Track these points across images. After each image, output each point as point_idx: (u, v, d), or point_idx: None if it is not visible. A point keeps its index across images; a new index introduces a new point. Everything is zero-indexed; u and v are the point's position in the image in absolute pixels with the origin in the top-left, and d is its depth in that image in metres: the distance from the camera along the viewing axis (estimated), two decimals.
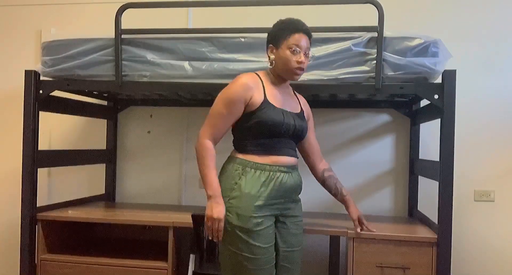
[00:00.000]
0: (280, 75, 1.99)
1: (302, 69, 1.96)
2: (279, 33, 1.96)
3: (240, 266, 1.88)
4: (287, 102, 2.02)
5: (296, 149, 2.08)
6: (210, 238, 1.90)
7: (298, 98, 2.14)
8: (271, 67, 1.99)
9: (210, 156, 1.92)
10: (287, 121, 1.94)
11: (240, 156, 1.96)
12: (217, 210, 1.85)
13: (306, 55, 1.97)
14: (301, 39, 1.94)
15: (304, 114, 2.10)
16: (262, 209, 1.89)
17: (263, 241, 1.88)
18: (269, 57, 1.99)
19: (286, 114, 1.95)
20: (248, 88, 1.90)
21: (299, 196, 2.08)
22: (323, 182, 2.23)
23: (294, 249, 2.02)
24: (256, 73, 1.99)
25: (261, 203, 1.88)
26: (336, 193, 2.23)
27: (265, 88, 1.95)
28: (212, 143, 1.94)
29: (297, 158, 2.05)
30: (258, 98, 1.91)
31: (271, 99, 1.94)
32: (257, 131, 1.92)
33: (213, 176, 1.90)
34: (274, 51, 1.97)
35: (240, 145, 1.98)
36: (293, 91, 2.14)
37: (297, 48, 1.93)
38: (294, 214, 2.03)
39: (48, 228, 2.56)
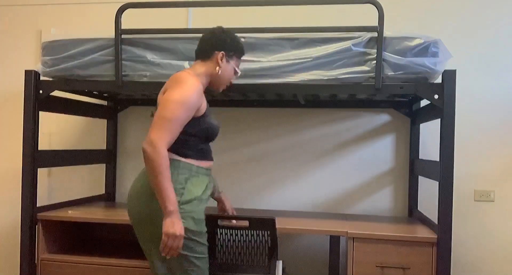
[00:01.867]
0: (212, 82, 2.03)
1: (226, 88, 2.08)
2: (237, 50, 2.04)
3: (193, 269, 1.89)
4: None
5: None
6: (164, 255, 1.81)
7: None
8: (215, 73, 2.00)
9: (168, 166, 1.77)
10: (219, 127, 2.04)
11: (184, 160, 1.93)
12: (180, 226, 1.77)
13: None
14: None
15: None
16: (204, 210, 1.94)
17: (206, 239, 1.95)
18: (219, 63, 2.00)
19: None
20: (201, 93, 1.93)
21: None
22: None
23: None
24: (191, 73, 1.98)
25: (206, 205, 1.94)
26: (213, 191, 2.23)
27: (204, 93, 2.00)
28: (166, 150, 1.80)
29: None
30: (204, 104, 1.95)
31: (207, 105, 2.01)
32: (201, 136, 1.95)
33: (171, 190, 1.77)
34: (224, 60, 2.00)
35: (180, 149, 1.92)
36: None
37: (238, 70, 2.05)
38: None
39: (48, 228, 2.56)
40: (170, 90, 1.87)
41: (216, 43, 2.01)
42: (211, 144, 2.06)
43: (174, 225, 1.75)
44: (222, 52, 2.00)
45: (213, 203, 3.07)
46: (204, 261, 1.94)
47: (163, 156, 1.75)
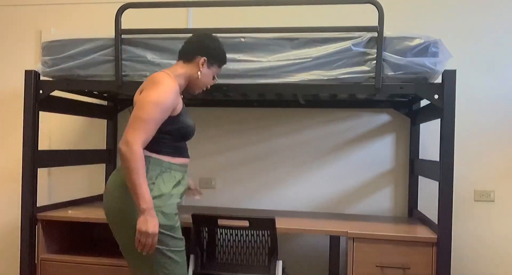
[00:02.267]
0: (189, 85, 2.07)
1: (201, 92, 2.14)
2: (220, 59, 2.11)
3: (171, 262, 1.92)
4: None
5: None
6: (140, 250, 1.83)
7: None
8: (196, 76, 2.05)
9: (143, 165, 1.80)
10: (194, 127, 2.09)
11: (156, 156, 1.95)
12: (153, 224, 1.79)
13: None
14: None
15: None
16: (177, 205, 1.98)
17: (181, 233, 1.98)
18: (200, 67, 2.04)
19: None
20: (178, 94, 1.95)
21: None
22: None
23: None
24: (169, 74, 1.99)
25: (177, 201, 1.98)
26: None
27: (180, 93, 2.04)
28: (142, 150, 1.82)
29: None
30: (180, 104, 1.98)
31: (183, 105, 2.04)
32: (175, 135, 1.98)
33: (145, 188, 1.79)
34: (205, 66, 2.05)
35: (154, 146, 1.93)
36: None
37: (216, 77, 2.14)
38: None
39: (48, 228, 2.56)
40: (146, 91, 1.89)
41: (201, 48, 2.05)
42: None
43: (147, 223, 1.78)
44: (205, 57, 2.04)
45: (212, 203, 3.08)
46: (180, 255, 1.96)
47: (138, 156, 1.78)
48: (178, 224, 1.97)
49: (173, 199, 1.95)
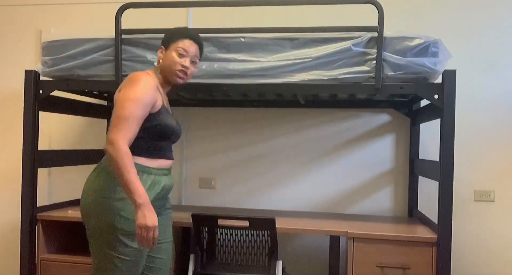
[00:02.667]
0: (166, 76, 2.01)
1: (185, 73, 1.99)
2: (171, 36, 2.02)
3: (113, 268, 1.86)
4: (169, 107, 2.09)
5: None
6: (142, 248, 1.82)
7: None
8: (155, 66, 2.02)
9: (131, 162, 1.77)
10: (178, 127, 2.03)
11: None
12: (151, 218, 1.75)
13: (193, 62, 2.02)
14: (190, 46, 2.00)
15: None
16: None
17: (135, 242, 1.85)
18: (158, 57, 2.02)
19: (176, 119, 2.04)
20: (155, 90, 1.92)
21: None
22: None
23: (168, 241, 2.08)
24: (148, 73, 1.98)
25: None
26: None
27: (160, 91, 1.98)
28: (128, 147, 1.80)
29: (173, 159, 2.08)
30: (159, 101, 1.94)
31: (165, 103, 1.99)
32: (152, 134, 1.92)
33: (138, 183, 1.76)
34: (164, 52, 2.01)
35: (129, 147, 1.87)
36: None
37: (184, 52, 1.98)
38: (167, 207, 2.09)
39: (48, 228, 2.56)
40: (124, 90, 1.88)
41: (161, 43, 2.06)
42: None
43: (145, 217, 1.74)
44: (161, 46, 2.03)
45: (212, 203, 3.08)
46: (127, 264, 1.87)
47: (124, 153, 1.76)
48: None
49: None
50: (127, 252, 1.86)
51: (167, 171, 2.01)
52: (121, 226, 1.83)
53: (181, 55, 1.98)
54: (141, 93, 1.85)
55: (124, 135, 1.79)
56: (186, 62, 1.98)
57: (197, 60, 2.05)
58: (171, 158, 2.04)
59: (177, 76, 1.98)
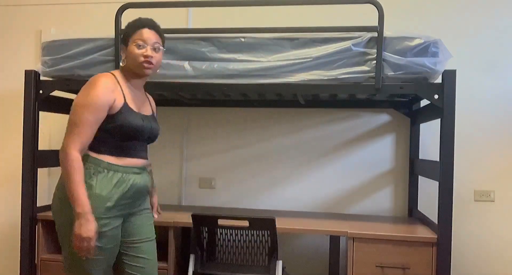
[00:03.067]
0: (133, 71, 1.98)
1: (150, 63, 1.95)
2: (126, 31, 2.00)
3: (78, 266, 1.86)
4: (142, 105, 2.04)
5: (147, 150, 2.08)
6: (79, 255, 1.80)
7: (149, 99, 2.14)
8: (122, 65, 1.99)
9: (78, 170, 1.78)
10: (146, 126, 1.97)
11: (94, 155, 1.89)
12: (87, 228, 1.74)
13: (155, 49, 1.98)
14: (146, 34, 1.96)
15: (155, 115, 2.12)
16: (111, 210, 1.86)
17: (107, 242, 1.86)
18: (122, 56, 2.00)
19: (144, 118, 1.98)
20: (110, 91, 1.88)
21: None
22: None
23: (150, 239, 2.04)
24: (112, 73, 1.96)
25: (111, 205, 1.86)
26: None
27: (123, 91, 1.94)
28: (80, 153, 1.81)
29: (148, 159, 2.05)
30: (118, 102, 1.90)
31: (130, 103, 1.94)
32: (116, 134, 1.90)
33: (81, 192, 1.77)
34: (125, 49, 1.99)
35: (95, 145, 1.90)
36: (145, 92, 2.13)
37: (142, 43, 1.94)
38: (144, 207, 2.05)
39: (48, 228, 2.56)
40: (79, 94, 1.88)
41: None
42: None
43: (81, 227, 1.74)
44: (122, 45, 2.01)
45: (212, 203, 3.08)
46: (91, 263, 1.85)
47: (73, 160, 1.78)
48: (105, 229, 1.84)
49: (103, 202, 1.84)
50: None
51: (139, 169, 1.97)
52: None
53: (140, 46, 1.95)
54: (93, 97, 1.83)
55: (74, 141, 1.80)
56: (148, 51, 1.95)
57: (160, 46, 2.01)
58: (143, 157, 2.00)
59: (144, 68, 1.95)
